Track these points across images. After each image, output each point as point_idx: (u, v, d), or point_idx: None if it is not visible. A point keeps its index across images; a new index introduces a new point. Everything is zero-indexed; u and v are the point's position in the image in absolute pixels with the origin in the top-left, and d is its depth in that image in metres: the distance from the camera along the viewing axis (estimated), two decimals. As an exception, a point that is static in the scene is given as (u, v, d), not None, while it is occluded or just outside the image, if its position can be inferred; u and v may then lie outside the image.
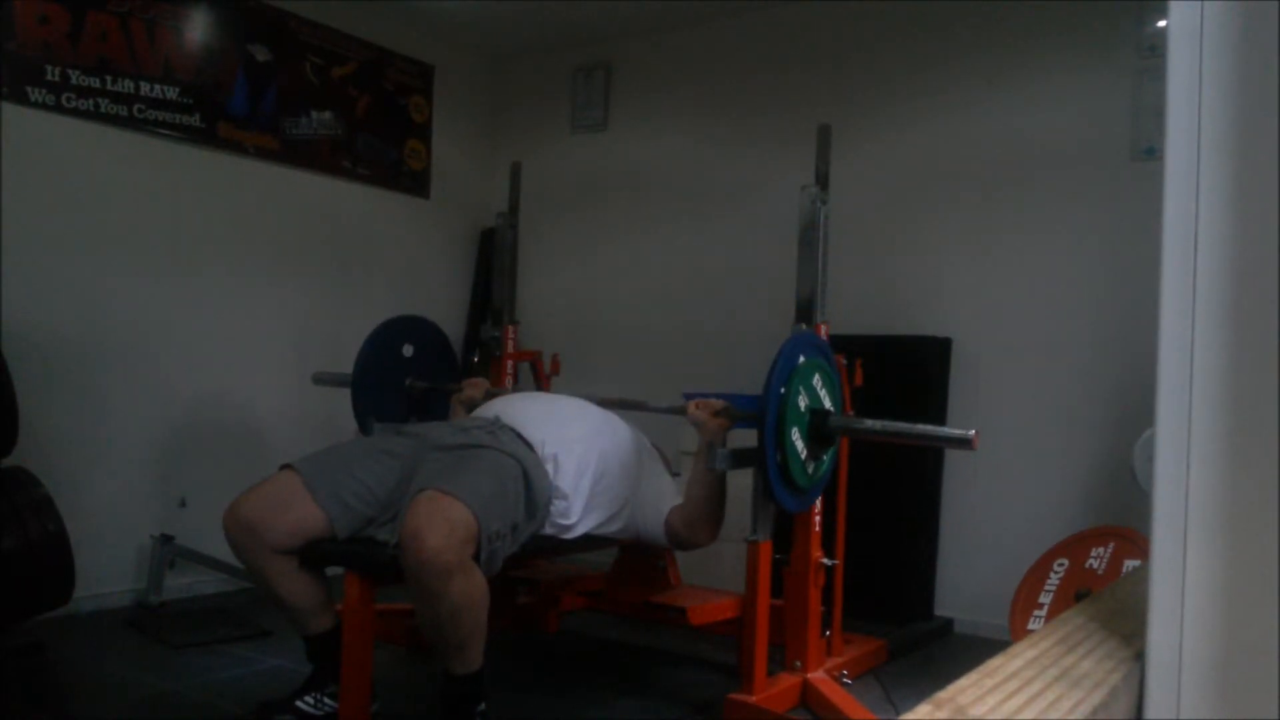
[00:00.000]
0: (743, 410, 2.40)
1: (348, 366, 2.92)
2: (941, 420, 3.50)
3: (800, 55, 3.90)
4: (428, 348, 3.05)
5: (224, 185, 3.65)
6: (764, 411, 2.22)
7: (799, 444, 2.30)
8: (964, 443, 2.17)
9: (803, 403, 2.31)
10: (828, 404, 2.39)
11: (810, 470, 2.37)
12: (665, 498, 2.42)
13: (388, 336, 2.97)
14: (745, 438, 2.57)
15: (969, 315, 3.49)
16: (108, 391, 3.30)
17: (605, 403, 2.68)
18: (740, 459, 2.33)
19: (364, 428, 2.83)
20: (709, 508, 2.36)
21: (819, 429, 2.34)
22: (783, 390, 2.25)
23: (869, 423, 2.40)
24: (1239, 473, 0.77)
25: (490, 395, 2.80)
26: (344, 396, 2.93)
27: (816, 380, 2.36)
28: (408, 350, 3.00)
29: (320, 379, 3.09)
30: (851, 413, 2.72)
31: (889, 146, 3.67)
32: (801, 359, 2.34)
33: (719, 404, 2.40)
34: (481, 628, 2.00)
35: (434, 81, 4.45)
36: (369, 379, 2.90)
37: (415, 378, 2.98)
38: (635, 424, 2.64)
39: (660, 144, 4.26)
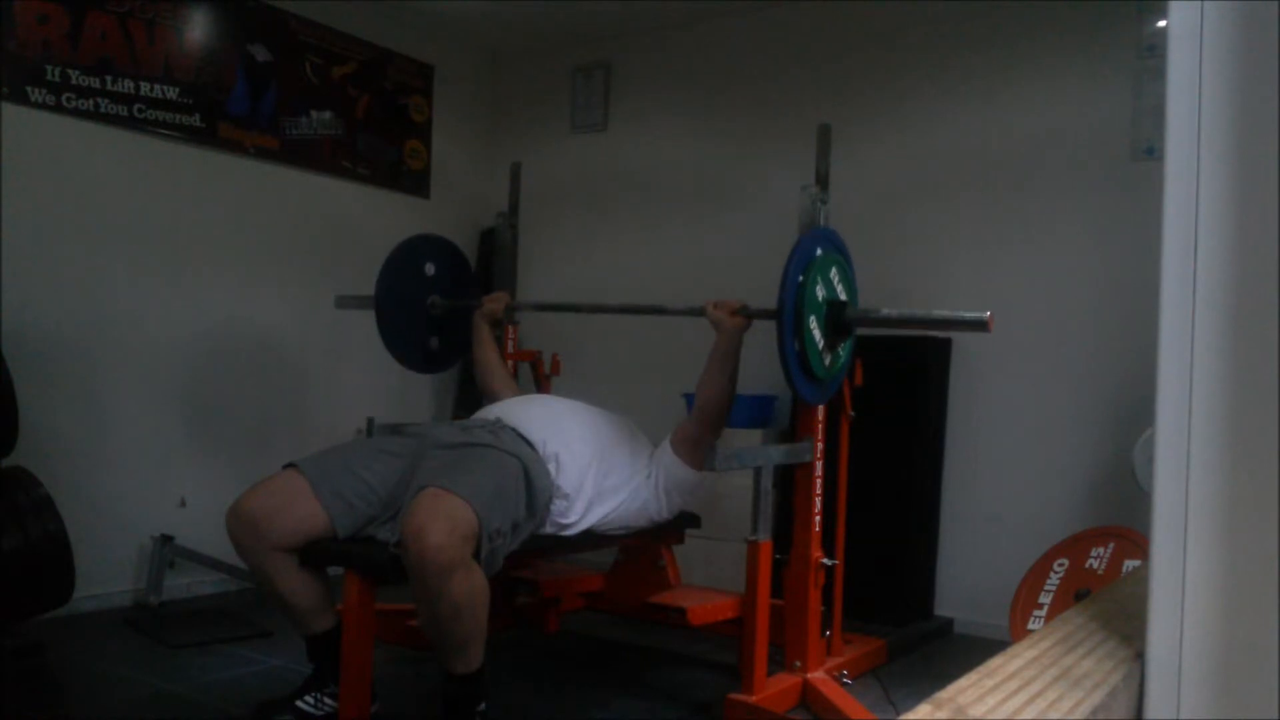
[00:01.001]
0: (743, 419, 2.41)
1: (349, 366, 2.92)
2: (942, 420, 3.51)
3: (800, 55, 3.91)
4: (448, 266, 3.06)
5: (224, 185, 3.65)
6: (783, 300, 2.24)
7: (816, 333, 2.33)
8: (979, 324, 2.21)
9: (820, 293, 2.34)
10: (843, 296, 2.43)
11: (828, 361, 2.40)
12: (665, 453, 2.46)
13: (408, 255, 2.98)
14: (749, 437, 2.58)
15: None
16: (108, 391, 3.30)
17: (628, 308, 2.92)
18: (740, 460, 2.34)
19: (391, 347, 2.87)
20: (719, 397, 2.42)
21: (836, 319, 2.38)
22: (800, 279, 2.27)
23: (885, 311, 2.44)
24: (1239, 472, 0.77)
25: (510, 308, 2.98)
26: (345, 396, 2.93)
27: (833, 274, 2.41)
28: (429, 269, 3.01)
29: (343, 302, 3.11)
30: (851, 414, 2.72)
31: (889, 146, 3.67)
32: (819, 252, 2.37)
33: (737, 303, 2.47)
34: (482, 627, 2.00)
35: (434, 81, 4.45)
36: (392, 298, 2.92)
37: (437, 295, 3.00)
38: (635, 422, 2.65)
39: (660, 144, 4.26)
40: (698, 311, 2.55)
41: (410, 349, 2.99)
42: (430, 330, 3.02)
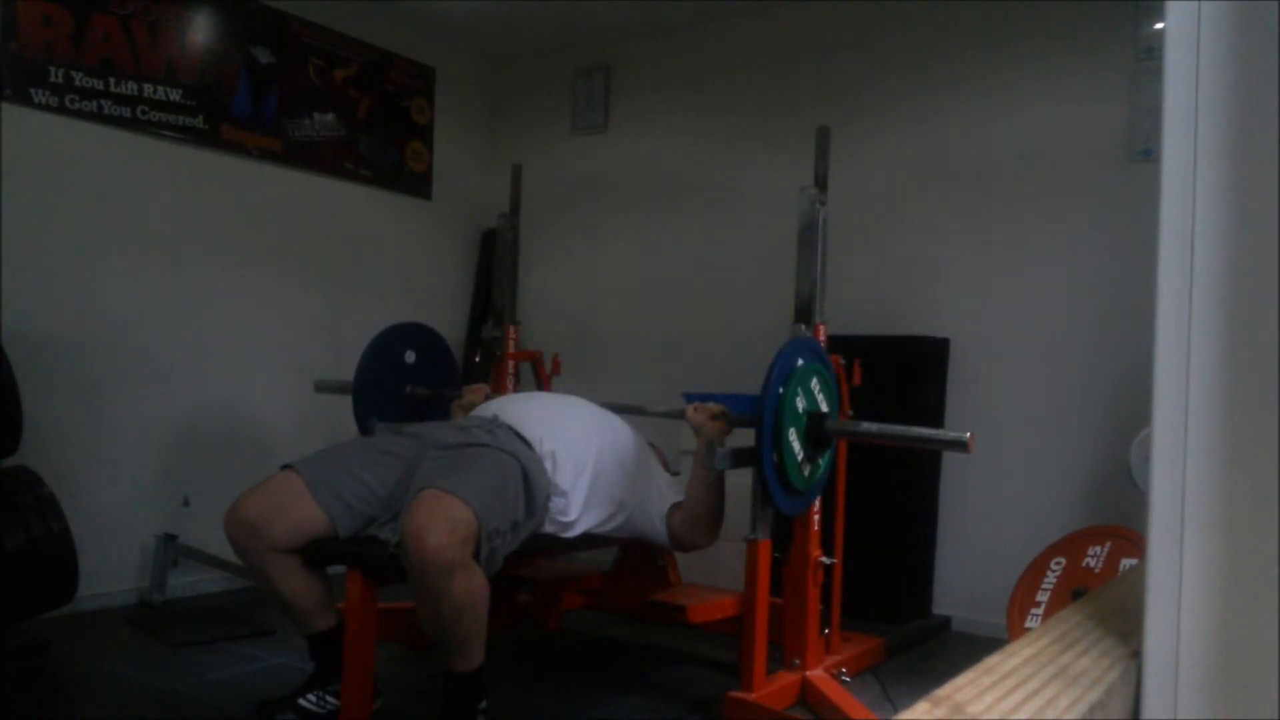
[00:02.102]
0: (741, 414, 2.41)
1: (349, 367, 2.92)
2: (940, 420, 3.51)
3: (800, 55, 3.91)
4: (429, 354, 3.06)
5: (226, 187, 3.66)
6: (762, 412, 2.22)
7: (796, 446, 2.31)
8: (960, 445, 2.18)
9: (800, 405, 2.32)
10: (824, 407, 2.40)
11: (807, 473, 2.38)
12: (664, 496, 2.43)
13: (389, 343, 2.97)
14: (744, 438, 2.58)
15: (967, 315, 3.50)
16: (111, 391, 3.30)
17: (607, 405, 2.69)
18: (739, 458, 2.34)
19: (365, 429, 2.84)
20: (708, 510, 2.36)
21: (816, 431, 2.35)
22: (781, 391, 2.26)
23: (865, 425, 2.41)
24: (1235, 472, 0.77)
25: (490, 399, 2.81)
26: (344, 396, 2.93)
27: (814, 383, 2.37)
28: (409, 356, 3.01)
29: (322, 386, 3.10)
30: (850, 413, 2.73)
31: (888, 147, 3.68)
32: (800, 362, 2.35)
33: (717, 408, 2.42)
34: (482, 626, 2.01)
35: (435, 83, 4.46)
36: (370, 386, 2.91)
37: (416, 384, 2.99)
38: (635, 421, 2.65)
39: (660, 145, 4.27)
40: (677, 415, 2.53)
41: None
42: (408, 418, 2.95)
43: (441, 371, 3.08)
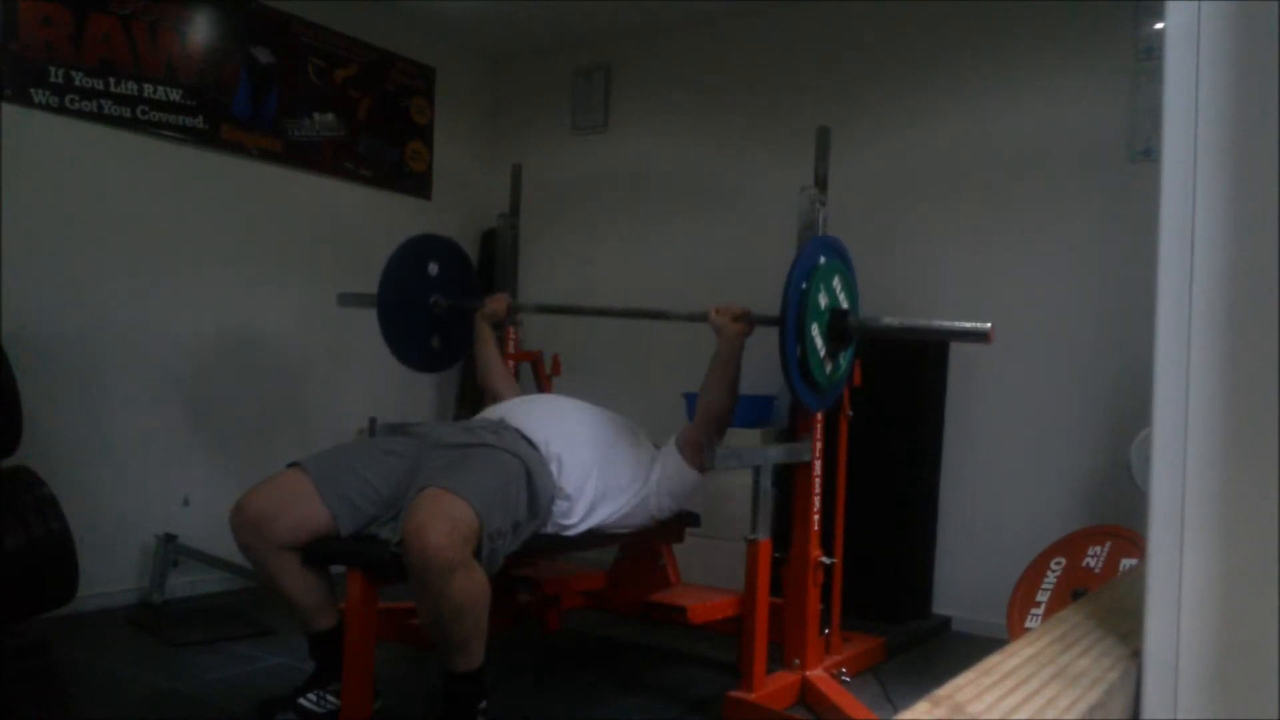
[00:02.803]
0: (745, 418, 2.42)
1: (349, 366, 2.92)
2: (940, 419, 3.51)
3: (800, 55, 3.91)
4: (451, 266, 3.07)
5: (226, 187, 3.66)
6: (785, 305, 2.25)
7: (818, 341, 2.34)
8: (980, 335, 2.22)
9: (823, 301, 2.35)
10: (845, 305, 2.44)
11: (829, 369, 2.42)
12: (670, 455, 2.46)
13: (412, 255, 2.98)
14: (746, 438, 2.59)
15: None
16: (111, 391, 3.30)
17: (629, 312, 2.89)
18: (740, 459, 2.34)
19: (391, 343, 2.88)
20: (721, 398, 2.44)
21: (838, 327, 2.39)
22: (804, 286, 2.28)
23: (886, 320, 2.45)
24: (1236, 472, 0.77)
25: (512, 309, 2.99)
26: (346, 397, 2.94)
27: (836, 282, 2.42)
28: (432, 269, 3.01)
29: (345, 300, 3.11)
30: (850, 414, 2.73)
31: (888, 146, 3.68)
32: (822, 260, 2.39)
33: (739, 309, 2.48)
34: (483, 625, 2.01)
35: (435, 83, 4.46)
36: (394, 297, 2.92)
37: (439, 295, 3.00)
38: (636, 420, 2.65)
39: (660, 144, 4.27)
40: (701, 317, 2.56)
41: (412, 348, 3.00)
42: (432, 329, 3.02)
43: (464, 283, 3.10)
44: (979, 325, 2.22)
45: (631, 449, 2.48)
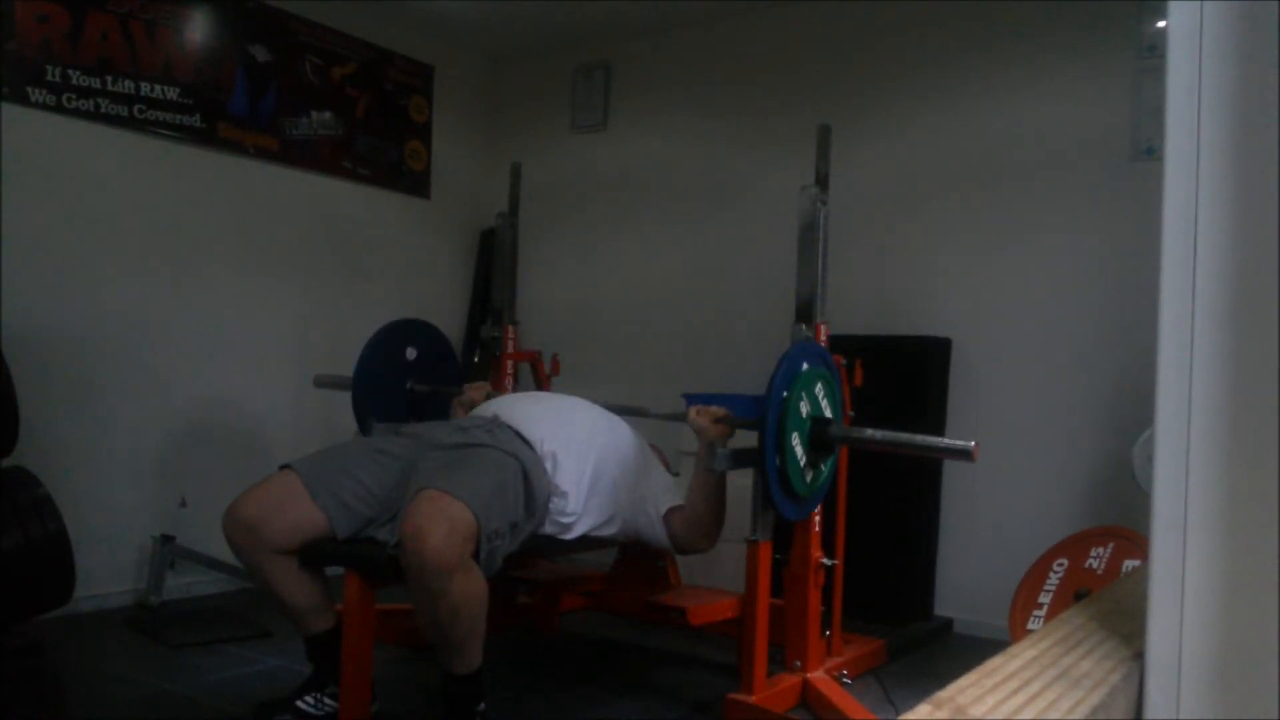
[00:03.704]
0: (743, 416, 2.40)
1: (348, 367, 2.91)
2: (941, 420, 3.51)
3: (800, 55, 3.91)
4: (430, 351, 3.05)
5: (224, 185, 3.65)
6: (765, 415, 2.21)
7: (799, 450, 2.30)
8: (964, 454, 2.17)
9: (804, 409, 2.31)
10: (828, 413, 2.39)
11: (809, 478, 2.37)
12: (664, 497, 2.41)
13: (390, 339, 2.96)
14: (746, 439, 2.58)
15: (969, 315, 3.49)
16: (108, 391, 3.30)
17: (612, 408, 2.68)
18: (740, 459, 2.33)
19: (364, 429, 2.83)
20: (709, 513, 2.35)
21: (819, 437, 2.34)
22: (785, 395, 2.25)
23: (869, 432, 2.38)
24: (1239, 472, 0.77)
25: (490, 398, 2.79)
26: (344, 396, 2.93)
27: (819, 389, 2.37)
28: (410, 353, 3.00)
29: (321, 382, 3.09)
30: (851, 414, 2.72)
31: (889, 146, 3.67)
32: (805, 366, 2.34)
33: (720, 411, 2.39)
34: (481, 627, 2.01)
35: (434, 82, 4.45)
36: (370, 382, 2.89)
37: (417, 381, 2.98)
38: (634, 422, 2.65)
39: (660, 144, 4.27)
40: (680, 417, 2.52)
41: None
42: (408, 415, 2.96)
43: (443, 369, 3.07)
44: (964, 444, 2.17)
45: (627, 448, 2.47)
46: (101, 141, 3.27)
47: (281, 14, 3.82)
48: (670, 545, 2.42)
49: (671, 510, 2.39)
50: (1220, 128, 0.78)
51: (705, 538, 2.38)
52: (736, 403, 2.56)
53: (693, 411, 2.41)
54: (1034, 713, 0.71)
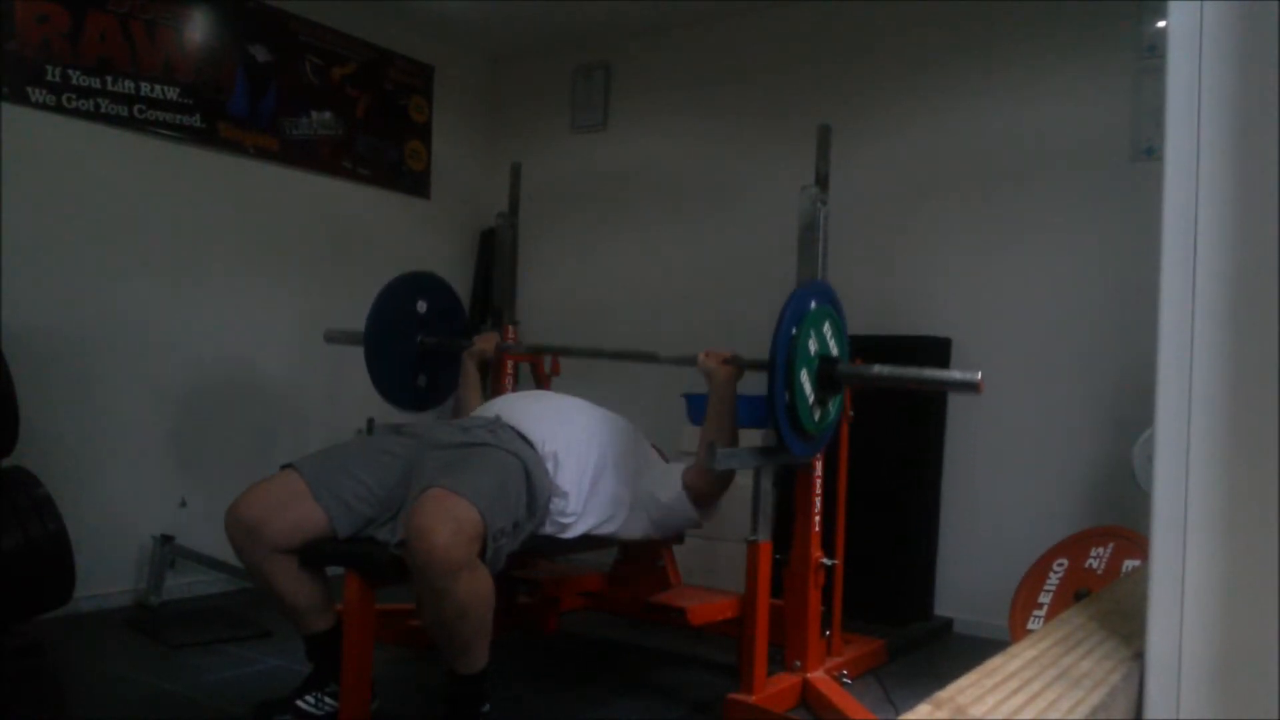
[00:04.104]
0: (744, 416, 2.41)
1: (348, 366, 2.92)
2: (941, 420, 3.51)
3: (800, 55, 3.91)
4: (439, 304, 3.06)
5: (224, 185, 3.65)
6: (774, 353, 2.24)
7: (808, 388, 2.32)
8: (970, 386, 2.21)
9: (813, 347, 2.34)
10: (835, 351, 2.42)
11: (817, 416, 2.40)
12: (673, 474, 2.44)
13: (400, 293, 2.96)
14: (748, 438, 2.58)
15: (969, 315, 3.49)
16: (108, 391, 3.30)
17: (618, 353, 2.81)
18: (740, 459, 2.34)
19: (377, 385, 2.85)
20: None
21: (827, 374, 2.38)
22: (794, 333, 2.27)
23: (876, 368, 2.43)
24: (1238, 472, 0.77)
25: (501, 350, 2.93)
26: (343, 396, 2.93)
27: (826, 328, 2.40)
28: (421, 306, 3.00)
29: (332, 337, 3.10)
30: (851, 414, 2.72)
31: (889, 146, 3.67)
32: (813, 305, 2.37)
33: (728, 352, 2.47)
34: (487, 627, 2.00)
35: (434, 82, 4.45)
36: (381, 335, 2.90)
37: (427, 333, 2.99)
38: (634, 421, 2.65)
39: (660, 144, 4.27)
40: (690, 360, 2.55)
41: (398, 386, 2.98)
42: (419, 368, 2.99)
43: (452, 321, 3.08)
44: (969, 376, 2.21)
45: (628, 448, 2.47)
46: (101, 141, 3.27)
47: (281, 14, 3.82)
48: (694, 499, 2.42)
49: (688, 469, 2.44)
50: (1220, 128, 0.78)
51: (721, 481, 2.42)
52: (739, 402, 2.56)
53: (702, 354, 2.50)
54: (1034, 713, 0.71)
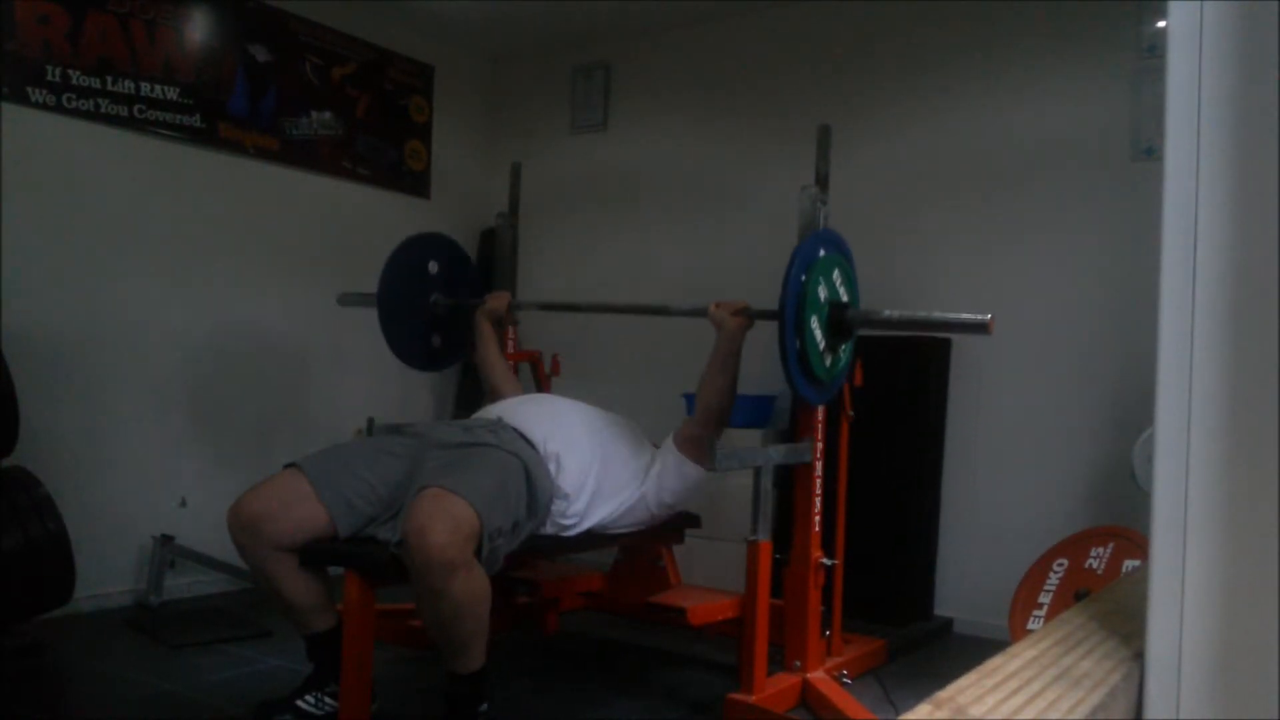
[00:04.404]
0: (745, 416, 2.41)
1: (348, 365, 2.92)
2: (941, 420, 3.51)
3: (800, 55, 3.91)
4: (451, 264, 3.07)
5: (224, 186, 3.65)
6: (784, 298, 2.24)
7: (818, 334, 2.33)
8: (979, 326, 2.22)
9: (822, 293, 2.35)
10: (845, 298, 2.43)
11: (828, 363, 2.41)
12: (669, 452, 2.46)
13: (412, 253, 2.98)
14: (748, 438, 2.58)
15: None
16: (108, 391, 3.30)
17: (630, 307, 2.91)
18: (740, 459, 2.34)
19: (391, 344, 2.87)
20: (719, 394, 2.43)
21: (837, 320, 2.39)
22: (803, 279, 2.28)
23: (886, 313, 2.43)
24: (1238, 472, 0.77)
25: (513, 307, 2.97)
26: (343, 399, 2.93)
27: (836, 275, 2.41)
28: (432, 267, 3.01)
29: (346, 300, 3.11)
30: (851, 414, 2.72)
31: (889, 146, 3.67)
32: (822, 253, 2.38)
33: (740, 303, 2.48)
34: (484, 626, 2.00)
35: (434, 82, 4.45)
36: (394, 296, 2.92)
37: (439, 294, 3.00)
38: (635, 421, 2.65)
39: (660, 144, 4.26)
40: (701, 312, 2.55)
41: (412, 347, 3.00)
42: (432, 328, 3.02)
43: (464, 281, 3.09)
44: (978, 317, 2.22)
45: (629, 448, 2.47)
46: (101, 142, 3.27)
47: (282, 14, 3.82)
48: (685, 449, 2.43)
49: (676, 433, 2.47)
50: (1220, 128, 0.78)
51: (716, 424, 2.44)
52: (741, 402, 2.57)
53: (713, 305, 2.52)
54: (1034, 713, 0.71)
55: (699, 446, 2.42)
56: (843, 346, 2.48)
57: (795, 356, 2.29)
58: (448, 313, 3.02)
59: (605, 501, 2.37)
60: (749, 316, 2.45)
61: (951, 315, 2.44)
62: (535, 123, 4.61)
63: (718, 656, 2.94)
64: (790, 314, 2.26)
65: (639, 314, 2.83)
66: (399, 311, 2.92)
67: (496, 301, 2.92)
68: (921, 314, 2.43)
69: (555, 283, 4.43)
